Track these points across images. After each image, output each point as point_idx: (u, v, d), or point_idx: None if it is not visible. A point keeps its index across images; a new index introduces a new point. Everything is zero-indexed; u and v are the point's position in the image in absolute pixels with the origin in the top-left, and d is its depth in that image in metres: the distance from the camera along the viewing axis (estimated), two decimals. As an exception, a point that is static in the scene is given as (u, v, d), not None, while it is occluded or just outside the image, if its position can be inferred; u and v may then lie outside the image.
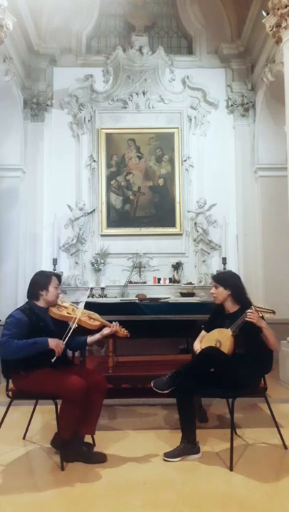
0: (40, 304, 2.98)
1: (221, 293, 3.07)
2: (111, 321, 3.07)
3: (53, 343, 2.78)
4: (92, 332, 3.06)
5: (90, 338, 3.07)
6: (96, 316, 3.03)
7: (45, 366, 2.78)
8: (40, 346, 2.76)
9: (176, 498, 2.34)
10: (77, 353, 3.56)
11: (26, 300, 3.06)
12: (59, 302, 3.03)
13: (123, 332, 3.04)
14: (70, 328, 2.87)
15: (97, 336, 3.05)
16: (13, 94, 6.68)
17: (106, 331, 3.02)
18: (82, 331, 3.04)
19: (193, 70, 7.54)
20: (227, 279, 3.14)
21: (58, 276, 3.09)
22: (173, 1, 7.87)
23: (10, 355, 2.76)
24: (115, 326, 3.02)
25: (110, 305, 4.56)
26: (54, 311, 2.95)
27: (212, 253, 7.17)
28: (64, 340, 2.83)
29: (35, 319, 2.89)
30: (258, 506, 2.27)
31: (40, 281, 3.00)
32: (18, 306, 6.74)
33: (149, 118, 7.44)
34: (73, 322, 2.89)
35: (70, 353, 3.26)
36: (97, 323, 3.00)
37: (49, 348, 2.77)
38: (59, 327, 2.93)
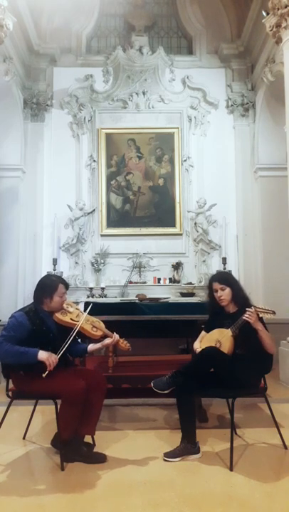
0: (45, 307, 2.94)
1: (228, 293, 3.05)
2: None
3: (44, 355, 2.71)
4: (93, 338, 3.03)
5: (90, 347, 3.04)
6: (100, 325, 2.99)
7: (44, 370, 2.73)
8: (29, 357, 2.70)
9: (176, 498, 2.34)
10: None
11: (28, 301, 3.03)
12: (64, 306, 2.98)
13: (125, 345, 3.00)
14: (69, 339, 2.82)
15: (98, 345, 3.02)
16: (13, 94, 6.69)
17: (107, 341, 2.99)
18: (84, 335, 3.02)
19: (193, 70, 7.55)
20: (229, 278, 3.16)
21: (66, 284, 3.02)
22: (173, 1, 7.87)
23: None
24: (116, 338, 2.98)
25: (110, 305, 4.55)
26: (58, 316, 2.92)
27: (212, 253, 7.17)
28: (59, 354, 2.76)
29: (39, 323, 2.85)
30: (258, 506, 2.27)
31: (45, 288, 2.93)
32: (18, 306, 6.76)
33: (149, 118, 7.44)
34: (73, 331, 2.85)
35: None
36: (99, 333, 2.96)
37: (38, 360, 2.70)
38: (62, 332, 2.88)
